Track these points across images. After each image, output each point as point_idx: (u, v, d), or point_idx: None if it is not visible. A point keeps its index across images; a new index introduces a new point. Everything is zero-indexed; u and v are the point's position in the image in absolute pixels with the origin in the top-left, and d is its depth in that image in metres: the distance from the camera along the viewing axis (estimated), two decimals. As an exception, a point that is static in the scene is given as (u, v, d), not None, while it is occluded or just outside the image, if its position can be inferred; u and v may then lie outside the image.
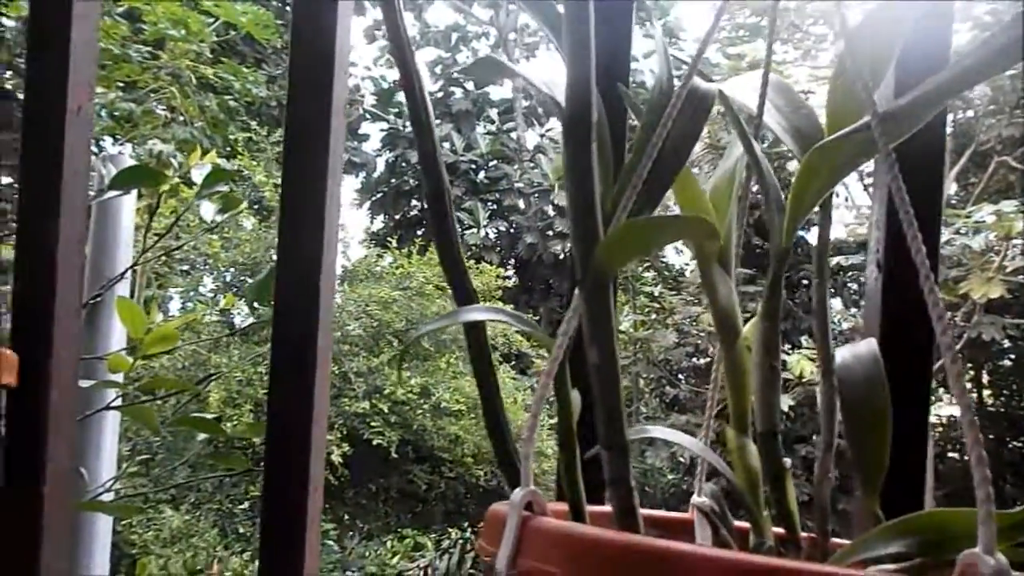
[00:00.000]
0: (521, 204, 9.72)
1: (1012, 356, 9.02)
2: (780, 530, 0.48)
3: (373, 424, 5.37)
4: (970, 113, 7.45)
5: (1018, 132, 7.14)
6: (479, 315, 0.46)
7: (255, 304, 1.22)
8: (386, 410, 5.36)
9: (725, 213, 0.52)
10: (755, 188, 0.56)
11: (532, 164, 9.77)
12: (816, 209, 0.49)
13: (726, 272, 0.52)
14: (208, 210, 1.36)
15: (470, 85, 10.60)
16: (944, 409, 9.41)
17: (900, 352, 0.52)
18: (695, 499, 0.47)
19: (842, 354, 0.48)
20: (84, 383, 1.07)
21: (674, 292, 8.55)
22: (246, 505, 5.48)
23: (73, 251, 0.72)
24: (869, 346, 0.48)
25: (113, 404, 1.02)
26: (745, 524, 0.50)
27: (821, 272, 0.50)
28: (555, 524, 0.36)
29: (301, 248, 0.72)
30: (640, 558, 0.32)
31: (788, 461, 0.47)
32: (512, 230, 9.74)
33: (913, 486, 0.49)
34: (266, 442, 0.71)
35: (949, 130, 7.80)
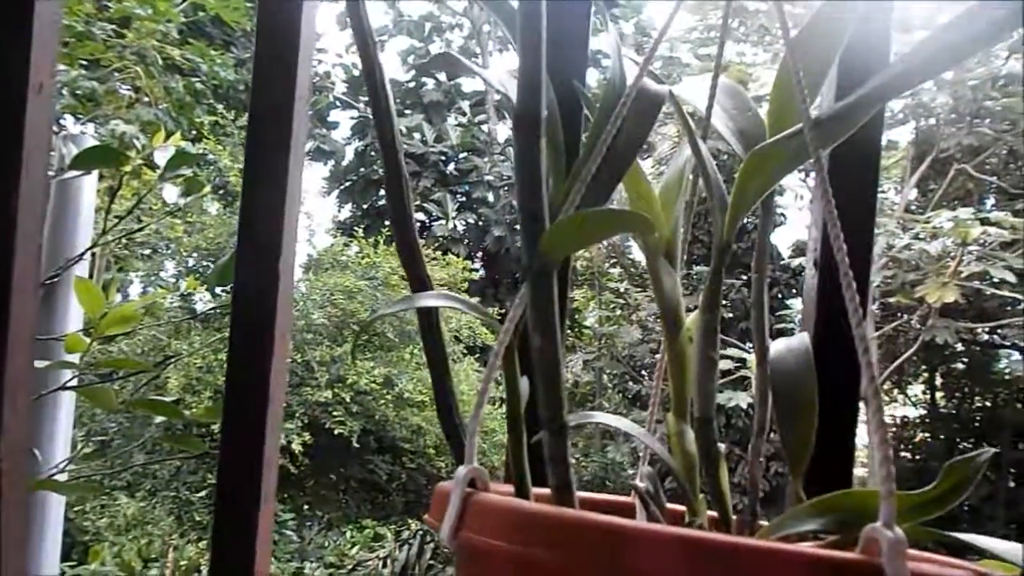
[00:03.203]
0: (490, 197, 9.72)
1: (965, 359, 9.28)
2: (714, 513, 0.50)
3: (335, 413, 5.36)
4: (932, 121, 7.63)
5: (977, 141, 7.33)
6: (432, 301, 0.47)
7: (217, 288, 1.22)
8: (348, 400, 5.34)
9: (672, 210, 0.54)
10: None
11: (502, 157, 9.78)
12: (758, 209, 0.51)
13: (672, 266, 0.55)
14: (171, 193, 1.36)
15: (442, 76, 10.56)
16: (898, 410, 9.65)
17: (834, 346, 0.55)
18: (634, 482, 0.49)
19: (776, 347, 0.51)
20: (40, 363, 1.06)
21: (639, 289, 8.63)
22: (203, 493, 5.43)
23: (31, 229, 0.72)
24: (801, 340, 0.50)
25: (69, 384, 1.02)
26: (682, 508, 0.52)
27: (760, 268, 0.52)
28: (494, 499, 0.38)
29: (261, 229, 0.72)
30: (572, 530, 0.34)
31: (722, 446, 0.49)
32: (481, 223, 9.74)
33: (841, 471, 0.51)
34: (223, 416, 0.71)
35: (910, 137, 7.97)
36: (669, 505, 0.53)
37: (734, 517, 0.47)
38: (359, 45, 0.63)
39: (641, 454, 0.55)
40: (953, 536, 0.35)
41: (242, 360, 0.71)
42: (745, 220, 0.51)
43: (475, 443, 0.40)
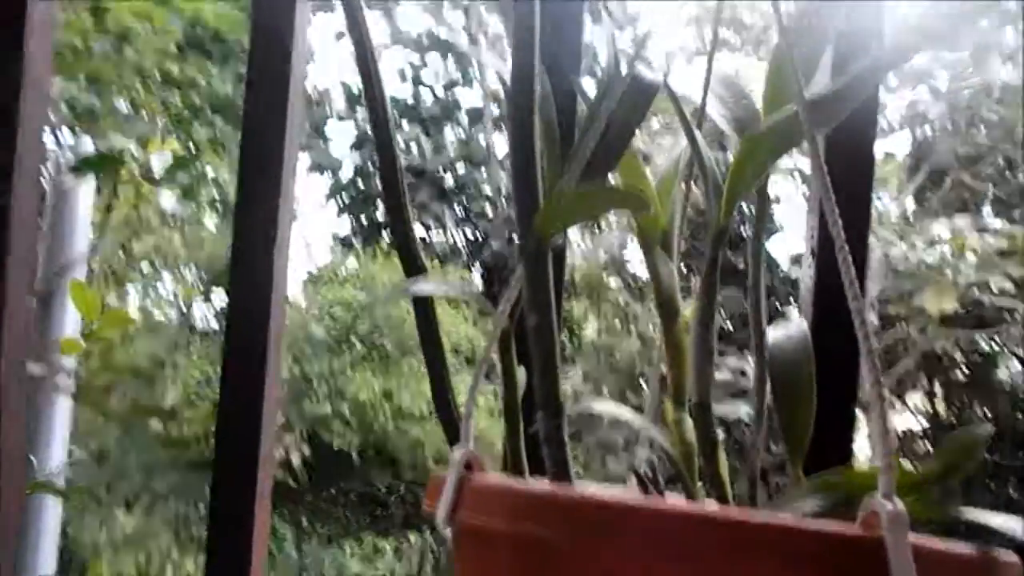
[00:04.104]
0: (489, 210, 9.73)
1: (965, 369, 9.26)
2: (713, 502, 0.50)
3: (334, 427, 5.34)
4: (928, 131, 7.65)
5: (974, 150, 7.35)
6: (428, 288, 0.47)
7: (213, 289, 1.22)
8: (347, 412, 5.33)
9: (668, 198, 0.54)
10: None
11: (501, 170, 9.80)
12: (752, 193, 0.51)
13: (668, 255, 0.55)
14: (168, 200, 1.35)
15: (440, 90, 10.60)
16: (899, 421, 9.61)
17: (831, 333, 0.55)
18: (631, 463, 0.49)
19: (774, 332, 0.50)
20: (35, 368, 1.06)
21: (639, 300, 8.62)
22: (201, 508, 5.40)
23: (25, 230, 0.72)
24: (799, 325, 0.50)
25: (63, 388, 1.01)
26: (681, 496, 0.52)
27: (757, 254, 0.52)
28: (491, 479, 0.37)
29: (254, 240, 0.72)
30: (572, 507, 0.34)
31: (720, 433, 0.49)
32: (479, 236, 9.75)
33: (841, 454, 0.51)
34: (216, 424, 0.71)
35: (907, 149, 8.00)
36: (667, 494, 0.53)
37: (733, 502, 0.47)
38: (358, 57, 0.63)
39: (637, 444, 0.55)
40: (959, 509, 0.35)
41: (235, 383, 0.70)
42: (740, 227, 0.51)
43: (471, 425, 0.39)
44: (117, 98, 4.76)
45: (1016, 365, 8.80)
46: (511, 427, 0.49)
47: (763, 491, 0.49)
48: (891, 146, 7.88)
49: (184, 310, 5.60)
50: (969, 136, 7.22)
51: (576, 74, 0.59)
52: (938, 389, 9.53)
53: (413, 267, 0.49)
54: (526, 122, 0.37)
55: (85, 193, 1.46)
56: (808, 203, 0.58)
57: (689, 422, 0.50)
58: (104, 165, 1.16)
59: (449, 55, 10.50)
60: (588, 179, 0.45)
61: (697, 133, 0.52)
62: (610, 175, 0.48)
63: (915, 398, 9.72)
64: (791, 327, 0.50)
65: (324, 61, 10.06)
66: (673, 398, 0.52)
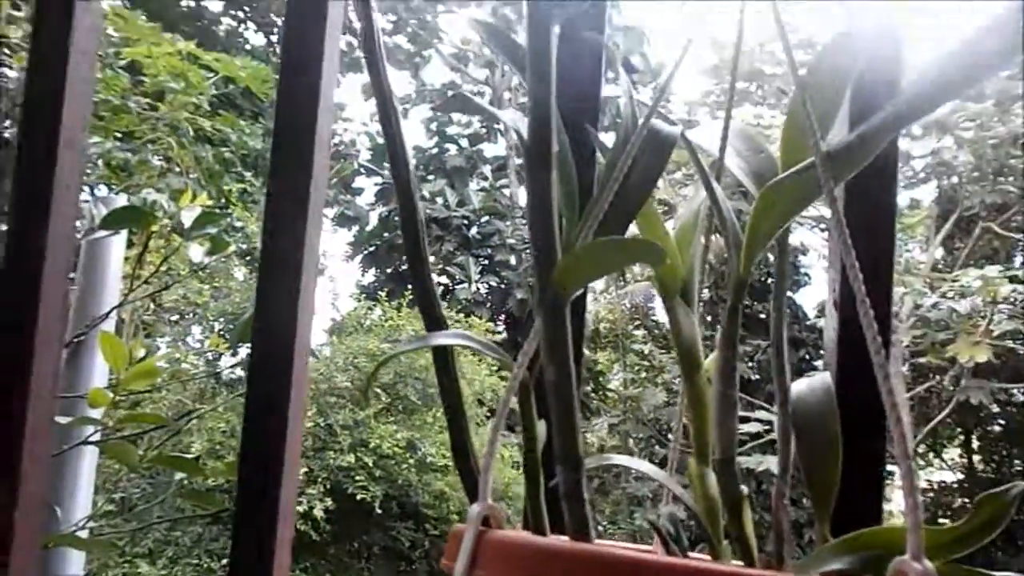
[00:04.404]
0: (512, 260, 9.78)
1: (1001, 421, 9.03)
2: (739, 563, 0.49)
3: (357, 478, 5.30)
4: (954, 180, 7.62)
5: (1001, 198, 7.30)
6: (447, 339, 0.47)
7: (239, 344, 1.23)
8: (371, 464, 5.29)
9: (688, 249, 0.54)
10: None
11: (524, 221, 9.87)
12: (774, 244, 0.51)
13: (689, 307, 0.54)
14: (197, 252, 1.38)
15: (464, 142, 10.78)
16: (934, 475, 9.35)
17: (856, 387, 0.54)
18: (652, 519, 0.48)
19: (798, 386, 0.50)
20: (62, 419, 1.07)
21: (664, 350, 8.56)
22: (225, 561, 5.35)
23: (57, 281, 0.73)
24: (823, 379, 0.49)
25: (91, 439, 1.02)
26: (705, 556, 0.50)
27: (779, 306, 0.52)
28: (510, 535, 0.37)
29: (278, 286, 0.73)
30: (592, 565, 0.33)
31: (745, 488, 0.48)
32: (503, 286, 9.78)
33: (868, 513, 0.50)
34: (238, 474, 0.71)
35: (934, 196, 7.96)
36: (692, 554, 0.52)
37: (759, 561, 0.46)
38: (381, 116, 0.65)
39: (663, 499, 0.54)
40: (986, 573, 0.34)
41: (257, 434, 0.70)
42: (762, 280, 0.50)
43: (489, 480, 0.39)
44: (151, 154, 4.89)
45: (1054, 417, 8.57)
46: (531, 482, 0.48)
47: (791, 548, 0.48)
48: (917, 196, 7.84)
49: (210, 361, 5.65)
50: (996, 185, 7.16)
51: (594, 126, 0.60)
52: (975, 442, 9.28)
53: (432, 319, 0.49)
54: (543, 176, 0.37)
55: (117, 246, 1.49)
56: (829, 254, 0.58)
57: (713, 477, 0.50)
58: (135, 219, 1.19)
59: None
60: (606, 233, 0.45)
61: (716, 184, 0.52)
62: (628, 228, 0.49)
63: (952, 452, 9.47)
64: (815, 381, 0.49)
65: (353, 114, 10.29)
66: (696, 452, 0.51)
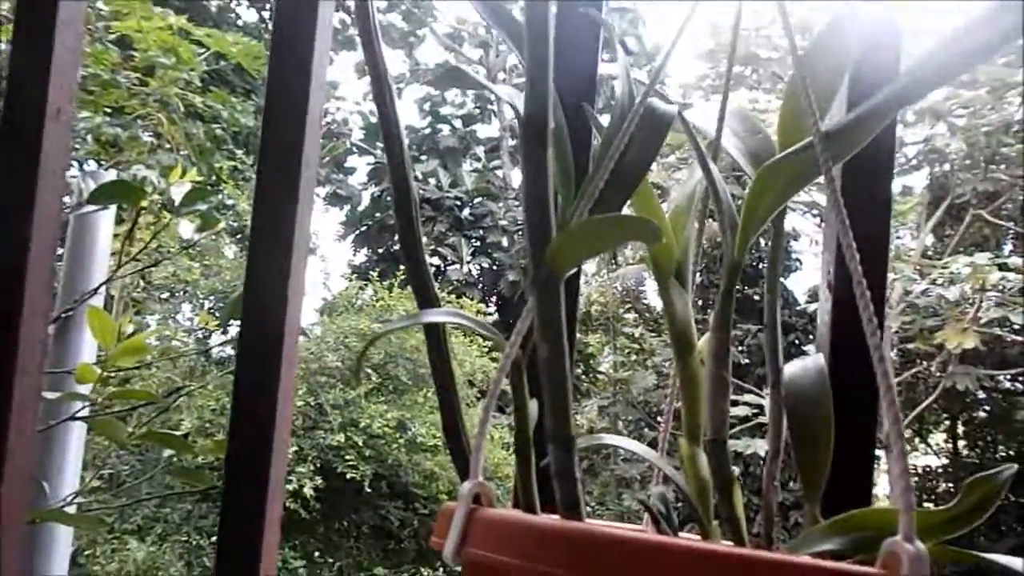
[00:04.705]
0: (504, 241, 9.77)
1: (987, 408, 9.10)
2: (728, 543, 0.49)
3: (347, 457, 5.31)
4: (946, 167, 7.63)
5: (992, 186, 7.31)
6: (439, 317, 0.47)
7: (230, 322, 1.23)
8: (361, 443, 5.30)
9: (683, 230, 0.54)
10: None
11: (517, 202, 9.84)
12: (768, 227, 0.51)
13: (683, 287, 0.54)
14: (187, 229, 1.37)
15: (458, 122, 10.72)
16: (920, 459, 9.45)
17: (849, 369, 0.54)
18: (643, 498, 0.48)
19: (791, 367, 0.50)
20: (50, 394, 1.06)
21: (654, 334, 8.58)
22: (214, 538, 5.36)
23: (44, 254, 0.73)
24: (816, 361, 0.49)
25: (79, 415, 1.01)
26: (696, 535, 0.51)
27: (773, 288, 0.51)
28: (500, 513, 0.37)
29: (268, 265, 0.72)
30: (582, 543, 0.33)
31: (736, 469, 0.48)
32: (495, 267, 9.77)
33: (859, 494, 0.50)
34: (227, 452, 0.70)
35: (925, 183, 7.97)
36: (682, 534, 0.52)
37: (749, 541, 0.46)
38: (376, 95, 0.64)
39: (652, 480, 0.54)
40: (975, 554, 0.34)
41: (246, 412, 0.69)
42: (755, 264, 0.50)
43: (480, 458, 0.39)
44: (141, 130, 4.84)
45: (1040, 404, 8.65)
46: (522, 461, 0.48)
47: (780, 530, 0.48)
48: (909, 183, 7.85)
49: (201, 339, 5.63)
50: (988, 173, 7.18)
51: (591, 105, 0.59)
52: (960, 428, 9.37)
53: (425, 299, 0.49)
54: (539, 153, 0.37)
55: (106, 222, 1.48)
56: (824, 237, 0.58)
57: (703, 458, 0.49)
58: (123, 194, 1.18)
59: (468, 90, 10.61)
60: (601, 211, 0.45)
61: (712, 165, 0.52)
62: (624, 208, 0.48)
63: (937, 437, 9.56)
64: (807, 362, 0.49)
65: (347, 93, 10.21)
66: (687, 433, 0.51)
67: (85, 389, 1.08)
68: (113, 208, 1.47)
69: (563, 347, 0.38)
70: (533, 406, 0.48)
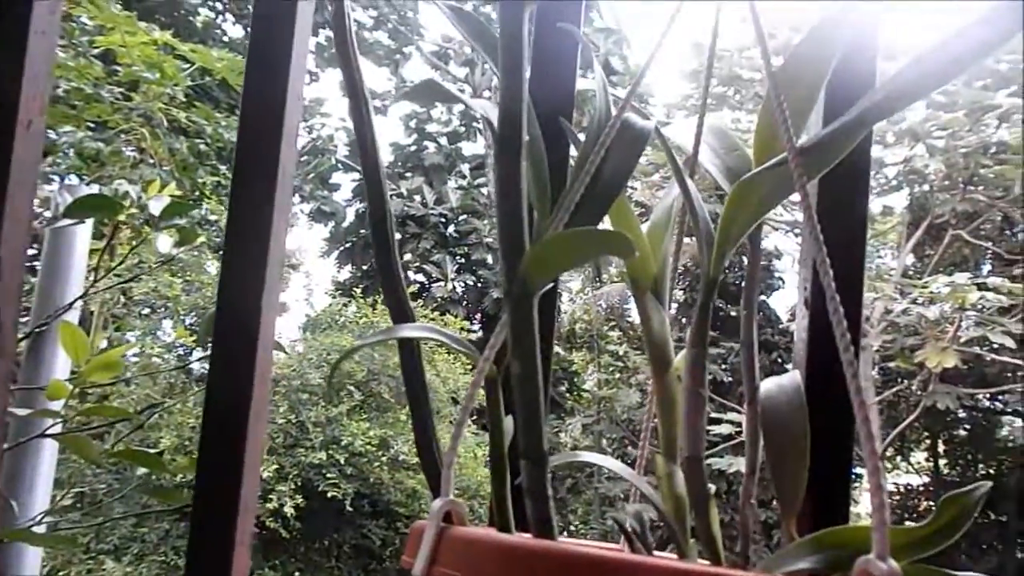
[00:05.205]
0: (490, 259, 9.77)
1: (967, 426, 9.17)
2: (704, 562, 0.48)
3: (329, 475, 5.26)
4: (925, 187, 7.73)
5: (971, 207, 7.41)
6: (413, 332, 0.46)
7: (207, 340, 1.21)
8: (343, 461, 5.25)
9: (660, 244, 0.54)
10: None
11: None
12: (745, 242, 0.51)
13: (660, 304, 0.54)
14: (164, 243, 1.35)
15: (443, 140, 10.74)
16: (901, 478, 9.49)
17: (825, 386, 0.53)
18: (617, 516, 0.47)
19: (767, 384, 0.49)
20: (20, 411, 1.04)
21: (638, 351, 8.59)
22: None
23: (13, 267, 0.71)
24: (792, 377, 0.49)
25: (49, 432, 0.99)
26: (672, 555, 0.50)
27: (750, 304, 0.51)
28: (471, 531, 0.36)
29: (243, 280, 0.71)
30: (553, 562, 0.32)
31: (712, 487, 0.47)
32: (480, 284, 9.77)
33: (838, 511, 0.50)
34: (197, 469, 0.69)
35: (905, 204, 8.06)
36: (658, 553, 0.51)
37: (725, 560, 0.45)
38: (351, 103, 0.63)
39: (631, 496, 0.54)
40: (948, 572, 0.34)
41: (216, 432, 0.68)
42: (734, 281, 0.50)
43: (451, 475, 0.38)
44: (124, 145, 4.81)
45: (1018, 422, 8.72)
46: (497, 478, 0.47)
47: (758, 548, 0.48)
48: (889, 203, 7.93)
49: (181, 356, 5.57)
50: (967, 193, 7.27)
51: (569, 120, 0.59)
52: (941, 446, 9.43)
53: (400, 314, 0.48)
54: (512, 163, 0.36)
55: (82, 236, 1.46)
56: (801, 254, 0.58)
57: (680, 476, 0.49)
58: (100, 208, 1.16)
59: (453, 107, 10.65)
60: (577, 225, 0.45)
61: (689, 181, 0.52)
62: (600, 223, 0.48)
63: (918, 455, 9.61)
64: (784, 379, 0.49)
65: (332, 110, 10.21)
66: (664, 450, 0.50)
67: (57, 405, 1.06)
68: (90, 223, 1.45)
69: (536, 363, 0.37)
70: (509, 422, 0.47)
